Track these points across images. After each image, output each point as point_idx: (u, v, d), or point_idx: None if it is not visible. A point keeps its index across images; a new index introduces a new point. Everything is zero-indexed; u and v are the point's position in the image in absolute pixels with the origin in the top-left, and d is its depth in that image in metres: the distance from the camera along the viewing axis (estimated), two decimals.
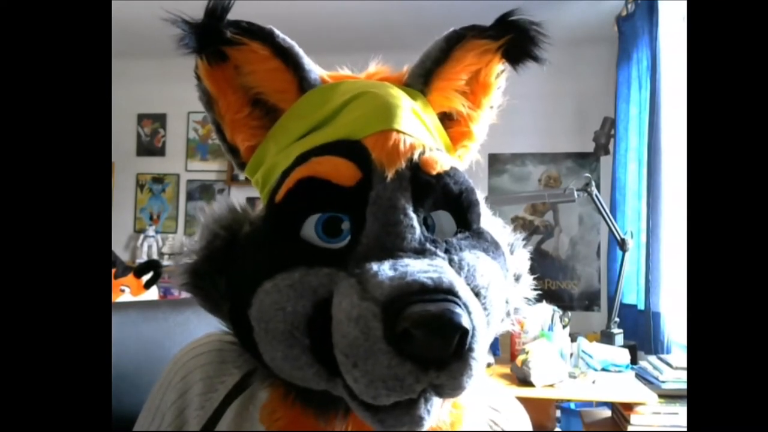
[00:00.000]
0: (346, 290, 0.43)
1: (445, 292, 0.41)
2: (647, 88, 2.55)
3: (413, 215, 0.47)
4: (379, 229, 0.46)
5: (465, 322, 0.40)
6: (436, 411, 0.44)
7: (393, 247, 0.45)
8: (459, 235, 0.50)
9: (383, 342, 0.40)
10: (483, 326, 0.44)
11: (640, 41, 2.67)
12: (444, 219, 0.50)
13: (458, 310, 0.40)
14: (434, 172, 0.49)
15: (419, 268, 0.43)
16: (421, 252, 0.46)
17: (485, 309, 0.46)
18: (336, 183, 0.47)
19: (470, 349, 0.42)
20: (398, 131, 0.49)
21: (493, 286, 0.48)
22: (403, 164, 0.48)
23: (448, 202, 0.50)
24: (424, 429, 0.43)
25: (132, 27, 3.34)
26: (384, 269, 0.43)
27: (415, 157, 0.48)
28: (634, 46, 2.77)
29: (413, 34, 3.21)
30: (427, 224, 0.49)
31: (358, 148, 0.48)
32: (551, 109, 3.57)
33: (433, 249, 0.47)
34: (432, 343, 0.40)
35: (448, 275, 0.43)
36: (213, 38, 0.50)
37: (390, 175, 0.47)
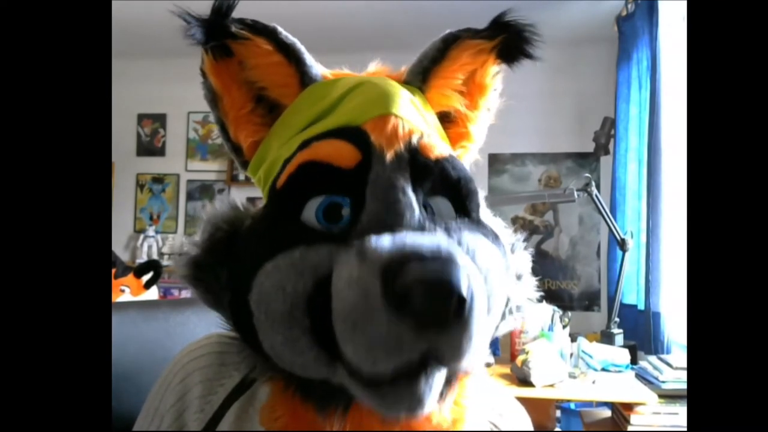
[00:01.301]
0: (346, 259, 0.43)
1: (444, 259, 0.41)
2: (647, 88, 2.55)
3: (412, 195, 0.47)
4: (378, 208, 0.46)
5: (464, 283, 0.40)
6: (438, 388, 0.43)
7: (393, 224, 0.45)
8: (458, 221, 0.50)
9: (382, 301, 0.39)
10: (482, 294, 0.43)
11: (640, 41, 2.67)
12: (443, 206, 0.51)
13: (456, 271, 0.40)
14: (433, 157, 0.49)
15: (419, 239, 0.42)
16: (420, 230, 0.46)
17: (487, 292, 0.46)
18: (336, 165, 0.47)
19: (470, 313, 0.41)
20: (397, 116, 0.50)
21: (493, 270, 0.48)
22: (402, 147, 0.48)
23: (446, 187, 0.50)
24: (425, 408, 0.42)
25: (132, 27, 3.34)
26: (383, 239, 0.43)
27: (414, 141, 0.49)
28: (634, 46, 2.77)
29: (413, 34, 3.21)
30: (426, 210, 0.49)
31: (358, 132, 0.49)
32: (551, 109, 3.57)
33: (432, 227, 0.47)
34: (430, 302, 0.39)
35: (448, 245, 0.42)
36: (218, 32, 0.51)
37: (389, 156, 0.48)
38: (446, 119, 0.58)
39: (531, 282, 0.57)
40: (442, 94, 0.57)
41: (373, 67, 0.58)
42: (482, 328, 0.43)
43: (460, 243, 0.47)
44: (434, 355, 0.41)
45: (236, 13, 0.51)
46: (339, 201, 0.48)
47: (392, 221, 0.46)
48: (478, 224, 0.52)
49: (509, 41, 0.56)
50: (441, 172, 0.50)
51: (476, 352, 0.43)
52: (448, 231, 0.48)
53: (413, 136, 0.49)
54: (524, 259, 0.57)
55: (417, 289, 0.39)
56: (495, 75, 0.58)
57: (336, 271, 0.43)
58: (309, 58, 0.55)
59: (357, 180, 0.48)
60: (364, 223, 0.46)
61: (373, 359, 0.40)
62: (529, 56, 0.56)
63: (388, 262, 0.40)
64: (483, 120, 0.59)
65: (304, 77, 0.54)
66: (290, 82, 0.54)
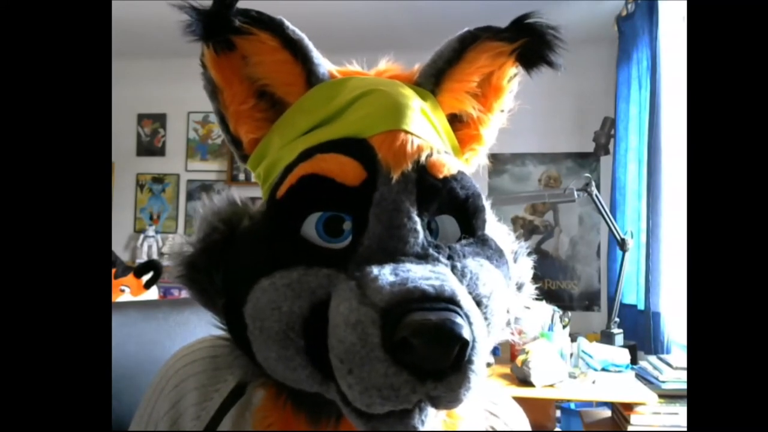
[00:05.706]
0: (345, 293, 0.42)
1: (446, 301, 0.40)
2: (647, 88, 2.55)
3: (417, 219, 0.46)
4: (381, 232, 0.45)
5: (466, 333, 0.39)
6: (431, 421, 0.43)
7: (395, 250, 0.45)
8: (463, 242, 0.49)
9: (380, 350, 0.39)
10: (483, 337, 0.43)
11: (640, 41, 2.67)
12: (448, 224, 0.49)
13: (459, 320, 0.39)
14: (441, 176, 0.48)
15: (421, 275, 0.42)
16: (423, 257, 0.45)
17: (486, 319, 0.46)
18: (340, 182, 0.46)
19: (469, 361, 0.40)
20: (406, 132, 0.48)
21: (495, 295, 0.47)
22: (410, 166, 0.47)
23: (453, 206, 0.49)
24: None
25: (132, 27, 3.34)
26: (385, 274, 0.42)
27: (422, 159, 0.47)
28: (634, 46, 2.77)
29: (413, 34, 3.21)
30: (430, 228, 0.48)
31: (365, 147, 0.47)
32: (551, 109, 3.57)
33: (435, 255, 0.46)
34: (431, 354, 0.39)
35: (451, 283, 0.42)
36: (221, 26, 0.49)
37: (395, 176, 0.46)
38: (458, 120, 0.56)
39: (530, 290, 0.56)
40: (455, 98, 0.55)
41: (384, 64, 0.57)
42: (481, 373, 0.42)
43: (463, 269, 0.46)
44: (430, 399, 0.41)
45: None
46: (341, 215, 0.47)
47: (394, 247, 0.45)
48: (483, 244, 0.50)
49: (531, 46, 0.53)
50: (449, 193, 0.48)
51: (474, 392, 0.42)
52: (451, 257, 0.47)
53: (422, 154, 0.47)
54: (526, 267, 0.56)
55: (417, 341, 0.38)
56: (512, 77, 0.56)
57: (334, 300, 0.43)
58: (316, 56, 0.52)
59: (361, 199, 0.46)
60: (366, 246, 0.45)
61: (368, 402, 0.40)
62: (550, 64, 0.54)
63: (388, 307, 0.40)
64: (495, 122, 0.57)
65: (310, 76, 0.52)
66: (296, 81, 0.52)
